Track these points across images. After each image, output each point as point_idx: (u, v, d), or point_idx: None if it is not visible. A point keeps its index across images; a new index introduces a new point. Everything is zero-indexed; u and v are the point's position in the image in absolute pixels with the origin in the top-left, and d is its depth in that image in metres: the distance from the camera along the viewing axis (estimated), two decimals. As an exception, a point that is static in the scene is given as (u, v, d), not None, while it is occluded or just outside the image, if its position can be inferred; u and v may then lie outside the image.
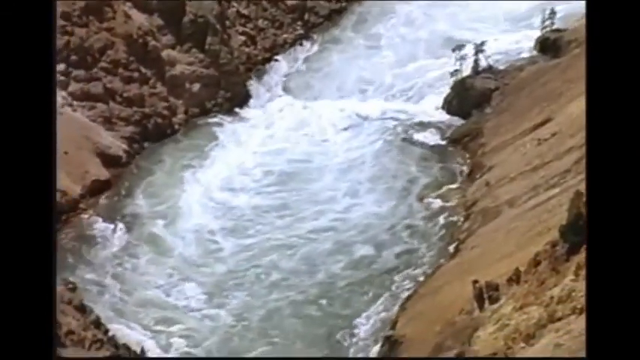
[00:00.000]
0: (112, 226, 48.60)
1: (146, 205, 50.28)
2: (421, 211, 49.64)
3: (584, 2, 37.10)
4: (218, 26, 60.01)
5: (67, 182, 49.65)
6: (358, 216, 49.16)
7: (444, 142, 56.01)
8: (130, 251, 46.63)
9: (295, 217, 48.97)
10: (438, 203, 50.31)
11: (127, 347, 34.53)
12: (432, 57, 62.72)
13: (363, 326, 40.90)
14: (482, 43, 58.75)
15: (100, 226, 48.70)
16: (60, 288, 33.92)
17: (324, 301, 42.52)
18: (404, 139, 56.47)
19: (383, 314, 41.98)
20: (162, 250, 46.28)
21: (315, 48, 65.67)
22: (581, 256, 27.68)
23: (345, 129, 57.89)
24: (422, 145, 56.01)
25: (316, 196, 51.11)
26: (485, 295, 36.10)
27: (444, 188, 51.62)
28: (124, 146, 54.41)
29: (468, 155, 54.21)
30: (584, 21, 43.77)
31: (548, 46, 59.94)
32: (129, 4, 57.23)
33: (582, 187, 26.50)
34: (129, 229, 48.47)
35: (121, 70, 56.13)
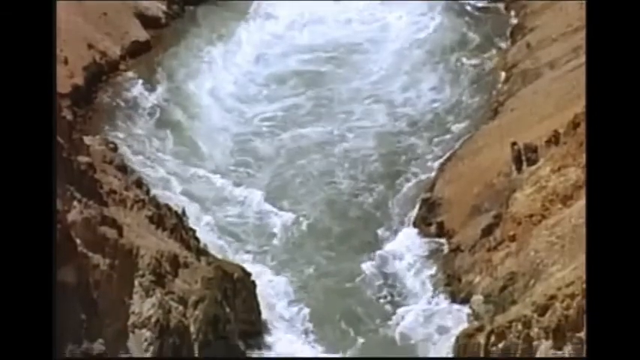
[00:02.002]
0: (150, 89, 48.41)
1: (176, 85, 49.21)
2: (470, 83, 48.78)
3: None
4: None
5: (107, 43, 49.58)
6: (411, 109, 47.41)
7: (486, 5, 55.22)
8: (160, 135, 45.64)
9: (337, 116, 47.15)
10: (480, 67, 49.91)
11: (168, 208, 34.86)
12: None
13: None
14: None
15: (139, 88, 48.53)
16: (101, 148, 34.27)
17: (362, 200, 41.33)
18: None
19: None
20: (191, 147, 45.03)
21: None
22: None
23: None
24: (467, 7, 55.11)
25: (362, 89, 49.28)
26: (524, 157, 36.15)
27: (488, 52, 51.07)
28: (163, 7, 54.05)
29: (509, 17, 53.52)
30: None
31: None
32: None
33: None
34: (163, 104, 47.72)
35: None
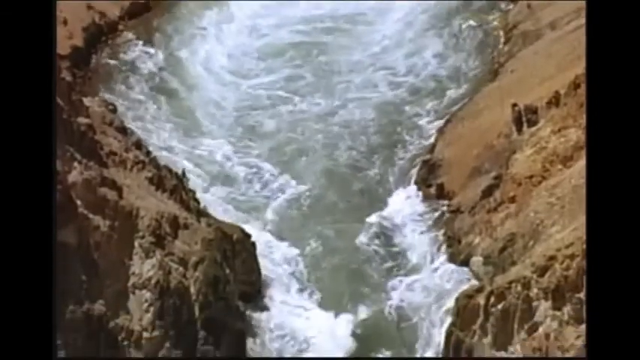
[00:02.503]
0: (148, 54, 48.14)
1: (172, 53, 48.77)
2: (473, 47, 48.36)
3: None
4: None
5: (106, 4, 49.44)
6: (414, 78, 46.93)
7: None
8: (157, 105, 45.20)
9: (337, 87, 46.66)
10: (483, 29, 49.65)
11: (168, 169, 34.84)
12: None
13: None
14: None
15: (138, 51, 48.28)
16: (101, 109, 34.19)
17: (364, 173, 41.04)
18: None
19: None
20: (190, 119, 44.53)
21: None
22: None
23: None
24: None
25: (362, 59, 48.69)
26: (524, 118, 36.13)
27: (491, 14, 50.77)
28: (163, -32, 53.93)
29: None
30: None
31: None
32: None
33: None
34: (160, 73, 47.29)
35: None
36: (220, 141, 42.88)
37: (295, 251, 36.61)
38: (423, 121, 43.58)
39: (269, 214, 38.71)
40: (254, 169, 41.17)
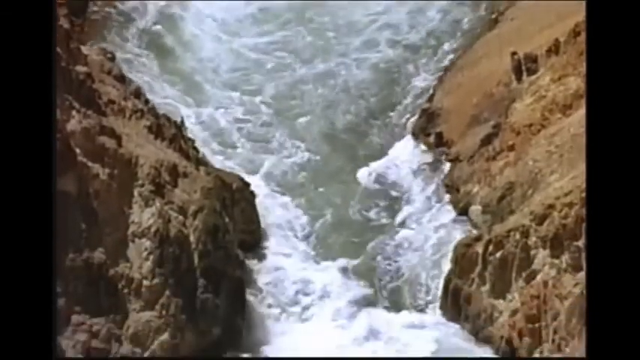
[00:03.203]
0: (144, 8, 47.51)
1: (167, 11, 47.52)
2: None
3: None
4: None
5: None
6: (415, 35, 45.98)
7: None
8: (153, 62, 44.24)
9: (338, 46, 45.70)
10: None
11: (167, 118, 34.78)
12: None
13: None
14: None
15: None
16: (99, 57, 34.04)
17: (367, 136, 40.65)
18: None
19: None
20: (189, 83, 43.61)
21: None
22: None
23: None
24: None
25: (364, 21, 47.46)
26: (524, 66, 36.07)
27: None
28: None
29: None
30: None
31: None
32: None
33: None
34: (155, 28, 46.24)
35: None
36: (220, 106, 42.20)
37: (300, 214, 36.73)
38: (423, 84, 42.97)
39: (274, 179, 38.44)
40: (256, 135, 40.75)
